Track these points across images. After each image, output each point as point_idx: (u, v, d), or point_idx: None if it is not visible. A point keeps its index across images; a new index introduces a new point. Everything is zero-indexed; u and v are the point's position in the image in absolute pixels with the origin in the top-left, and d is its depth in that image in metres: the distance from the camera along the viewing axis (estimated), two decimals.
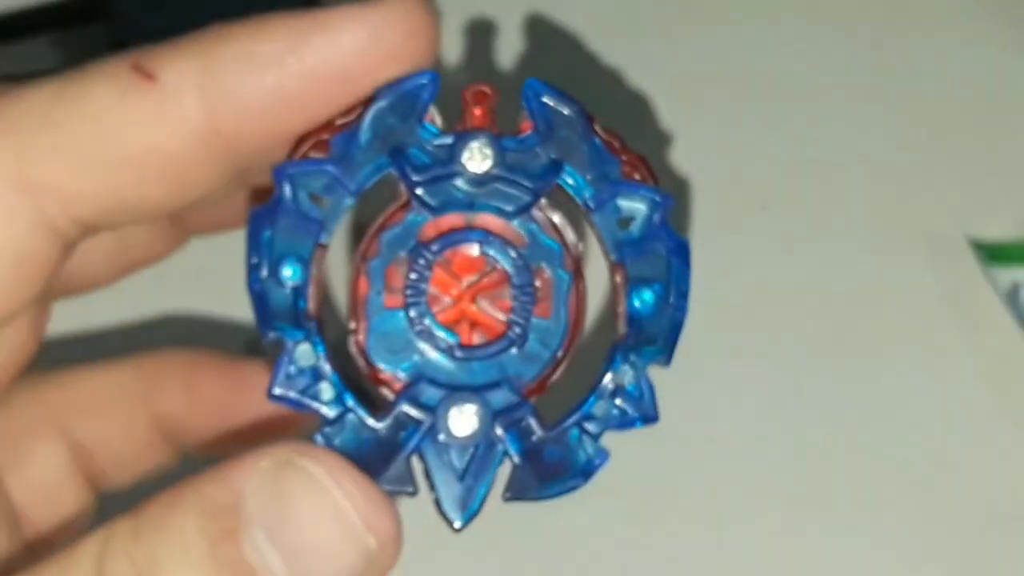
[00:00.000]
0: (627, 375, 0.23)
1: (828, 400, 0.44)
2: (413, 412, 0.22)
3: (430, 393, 0.22)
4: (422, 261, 0.22)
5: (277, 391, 0.21)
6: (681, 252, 0.23)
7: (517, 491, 0.22)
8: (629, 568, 0.41)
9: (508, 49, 0.47)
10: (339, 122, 0.22)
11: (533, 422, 0.22)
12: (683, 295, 0.23)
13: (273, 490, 0.20)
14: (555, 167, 0.22)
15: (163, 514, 0.20)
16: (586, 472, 0.22)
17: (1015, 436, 0.44)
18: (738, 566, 0.42)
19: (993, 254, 0.45)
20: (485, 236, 0.22)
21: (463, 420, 0.22)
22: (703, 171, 0.47)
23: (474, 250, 0.22)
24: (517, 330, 0.22)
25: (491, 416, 0.22)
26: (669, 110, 0.47)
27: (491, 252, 0.22)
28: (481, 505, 0.22)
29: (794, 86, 0.49)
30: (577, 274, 0.23)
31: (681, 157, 0.47)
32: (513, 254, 0.22)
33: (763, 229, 0.47)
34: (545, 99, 0.22)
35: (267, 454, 0.20)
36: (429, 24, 0.22)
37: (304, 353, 0.21)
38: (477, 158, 0.22)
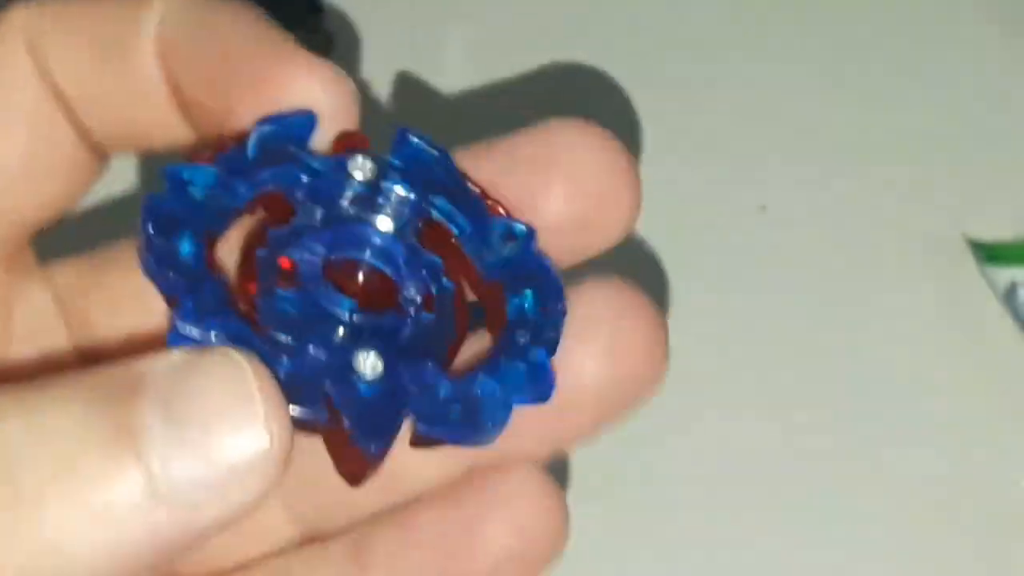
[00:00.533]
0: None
1: (826, 399, 0.44)
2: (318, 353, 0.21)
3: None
4: (313, 255, 0.22)
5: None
6: (549, 274, 0.23)
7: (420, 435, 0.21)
8: (628, 567, 0.42)
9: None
10: (223, 146, 0.22)
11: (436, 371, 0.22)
12: (559, 297, 0.22)
13: (180, 371, 0.19)
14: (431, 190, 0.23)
15: (50, 382, 0.19)
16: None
17: (1013, 435, 0.44)
18: (737, 565, 0.42)
19: (991, 254, 0.45)
20: (373, 246, 0.23)
21: (370, 361, 0.21)
22: (703, 171, 0.47)
23: (363, 257, 0.23)
24: (411, 313, 0.22)
25: (395, 358, 0.21)
26: (669, 110, 0.48)
27: (378, 263, 0.23)
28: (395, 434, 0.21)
29: (793, 86, 0.49)
30: (459, 285, 0.23)
31: (681, 157, 0.47)
32: (399, 264, 0.23)
33: (762, 229, 0.47)
34: (416, 141, 0.23)
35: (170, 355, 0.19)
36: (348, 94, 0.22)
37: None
38: (363, 168, 0.23)
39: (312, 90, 0.22)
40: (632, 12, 0.50)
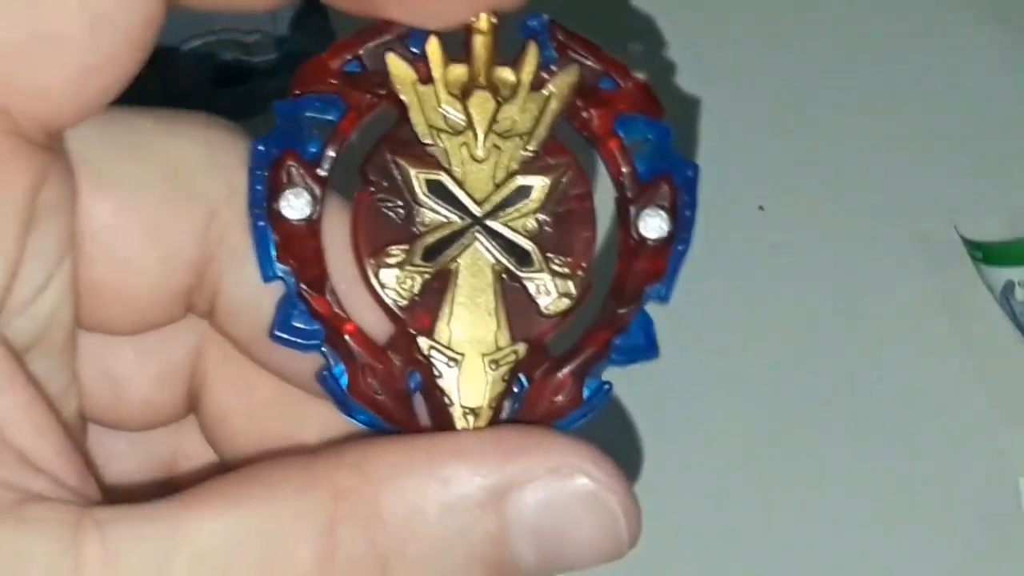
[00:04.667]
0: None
1: (824, 398, 0.44)
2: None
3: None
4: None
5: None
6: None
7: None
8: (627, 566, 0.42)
9: None
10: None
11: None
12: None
13: (547, 501, 0.20)
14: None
15: (409, 494, 0.20)
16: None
17: (1010, 433, 0.44)
18: (736, 565, 0.42)
19: (987, 253, 0.45)
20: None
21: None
22: (703, 171, 0.47)
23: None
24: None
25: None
26: (669, 110, 0.48)
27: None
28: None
29: (792, 87, 0.49)
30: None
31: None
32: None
33: (761, 228, 0.47)
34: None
35: (541, 462, 0.20)
36: None
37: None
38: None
39: None
40: (631, 12, 0.50)
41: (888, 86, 0.49)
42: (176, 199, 0.23)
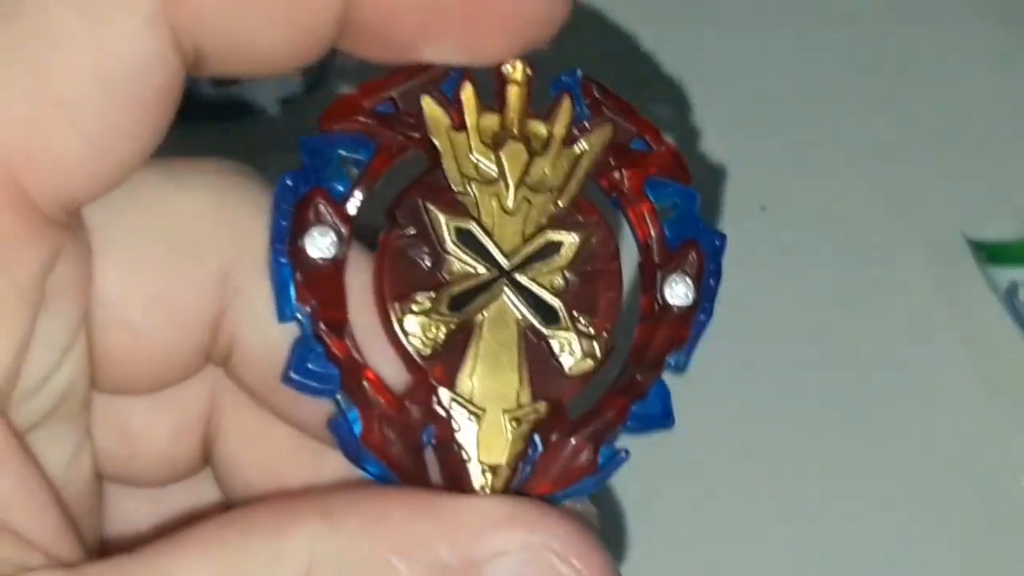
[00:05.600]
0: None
1: (826, 398, 0.44)
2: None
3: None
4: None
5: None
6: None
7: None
8: (628, 566, 0.42)
9: None
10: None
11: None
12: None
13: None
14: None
15: (385, 549, 0.19)
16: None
17: (1012, 433, 0.44)
18: (735, 564, 0.42)
19: (991, 254, 0.45)
20: None
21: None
22: (703, 171, 0.47)
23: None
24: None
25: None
26: (669, 110, 0.48)
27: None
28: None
29: (794, 87, 0.49)
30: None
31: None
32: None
33: (763, 229, 0.47)
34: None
35: (515, 538, 0.20)
36: (563, 10, 0.21)
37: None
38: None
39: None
40: (633, 13, 0.50)
41: (892, 86, 0.49)
42: (185, 258, 0.22)
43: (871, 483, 0.43)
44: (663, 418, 0.22)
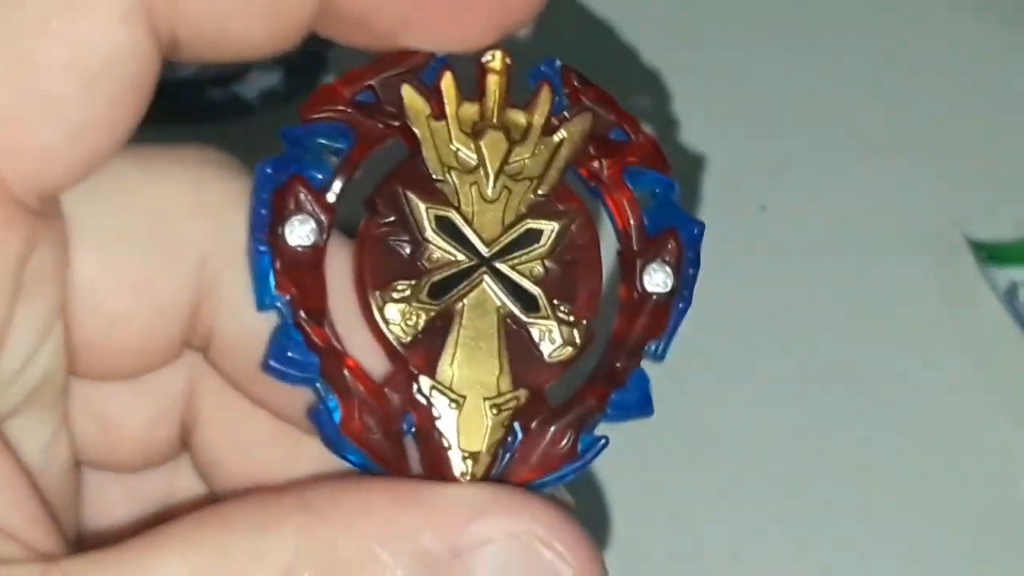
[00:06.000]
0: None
1: (825, 398, 0.44)
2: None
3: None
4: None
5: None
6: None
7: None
8: (630, 566, 0.42)
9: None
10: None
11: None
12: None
13: (502, 566, 0.20)
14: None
15: (369, 540, 0.19)
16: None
17: (1013, 434, 0.44)
18: (735, 564, 0.42)
19: (991, 254, 0.45)
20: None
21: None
22: (703, 171, 0.47)
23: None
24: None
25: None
26: (668, 110, 0.48)
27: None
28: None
29: (794, 87, 0.49)
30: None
31: (681, 157, 0.47)
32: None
33: (763, 229, 0.47)
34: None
35: (500, 525, 0.20)
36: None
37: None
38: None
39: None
40: (634, 14, 0.50)
41: (892, 86, 0.49)
42: (163, 248, 0.22)
43: (870, 483, 0.43)
44: (642, 406, 0.22)
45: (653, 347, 0.22)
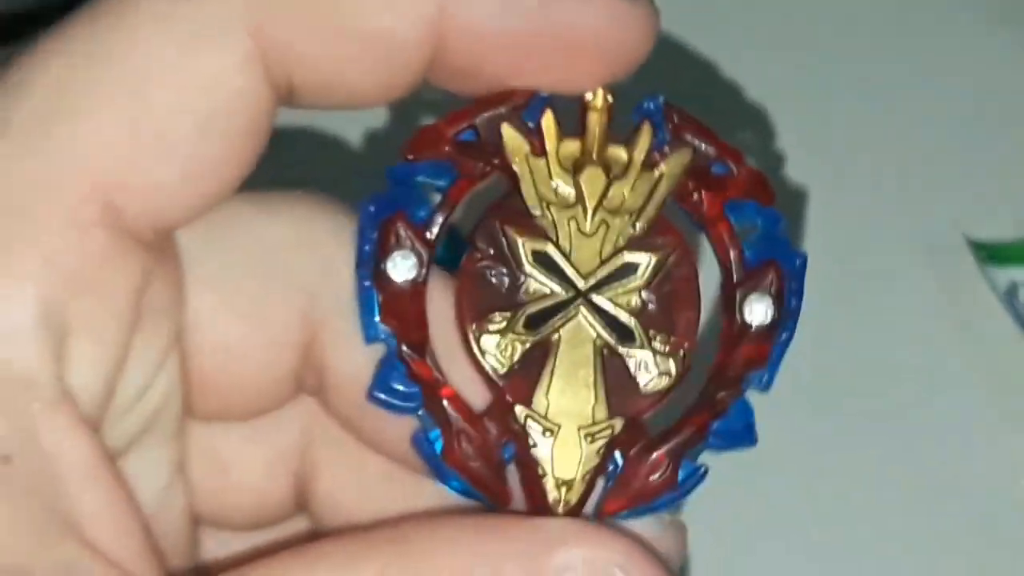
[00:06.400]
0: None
1: (825, 398, 0.44)
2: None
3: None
4: None
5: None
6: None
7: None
8: None
9: None
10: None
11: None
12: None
13: None
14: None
15: (454, 569, 0.20)
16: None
17: (1013, 435, 0.44)
18: (735, 564, 0.42)
19: (991, 254, 0.45)
20: None
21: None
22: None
23: None
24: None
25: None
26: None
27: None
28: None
29: (794, 87, 0.49)
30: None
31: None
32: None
33: None
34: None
35: (579, 553, 0.20)
36: (648, 44, 0.22)
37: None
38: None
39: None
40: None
41: (892, 86, 0.49)
42: (275, 281, 0.23)
43: (869, 483, 0.43)
44: (744, 435, 0.22)
45: (757, 377, 0.22)
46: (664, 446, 0.22)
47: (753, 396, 0.43)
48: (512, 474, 0.22)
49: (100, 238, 0.20)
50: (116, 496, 0.21)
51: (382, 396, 0.21)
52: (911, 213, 0.47)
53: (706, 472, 0.22)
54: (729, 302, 0.23)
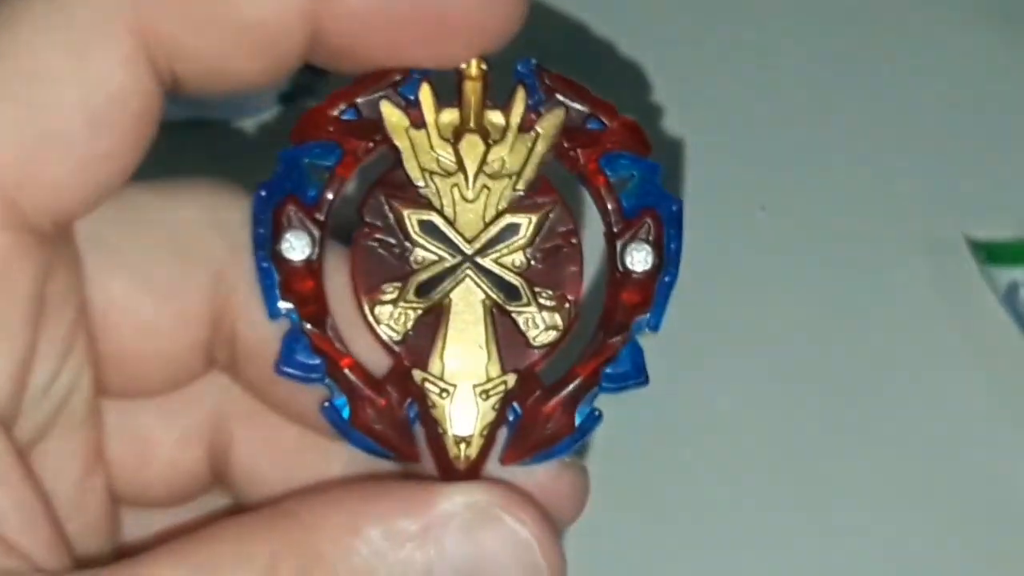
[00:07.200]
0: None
1: (826, 399, 0.44)
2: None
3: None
4: None
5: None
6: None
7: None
8: (631, 567, 0.42)
9: None
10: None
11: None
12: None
13: (467, 537, 0.21)
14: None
15: (342, 531, 0.21)
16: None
17: (1013, 435, 0.44)
18: (736, 564, 0.42)
19: (991, 254, 0.45)
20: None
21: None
22: (703, 171, 0.47)
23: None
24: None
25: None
26: (670, 110, 0.48)
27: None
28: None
29: (794, 86, 0.49)
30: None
31: (681, 156, 0.47)
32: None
33: (763, 229, 0.47)
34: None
35: (461, 498, 0.21)
36: (519, 18, 0.23)
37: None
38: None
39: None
40: (635, 13, 0.50)
41: (892, 86, 0.49)
42: (183, 262, 0.24)
43: (870, 483, 0.43)
44: (636, 376, 0.23)
45: (644, 321, 0.23)
46: (559, 394, 0.23)
47: (753, 399, 0.43)
48: (420, 434, 0.23)
49: (1, 238, 0.21)
50: (24, 489, 0.22)
51: (288, 370, 0.23)
52: (911, 213, 0.47)
53: (601, 415, 0.23)
54: (611, 252, 0.23)
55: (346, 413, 0.23)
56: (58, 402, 0.23)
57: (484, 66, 0.23)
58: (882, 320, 0.46)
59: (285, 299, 0.22)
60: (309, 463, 0.26)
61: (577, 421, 0.23)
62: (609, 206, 0.23)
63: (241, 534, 0.21)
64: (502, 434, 0.23)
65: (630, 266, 0.23)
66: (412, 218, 0.23)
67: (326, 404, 0.23)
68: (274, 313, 0.22)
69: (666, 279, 0.23)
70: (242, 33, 0.22)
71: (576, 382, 0.23)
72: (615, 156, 0.23)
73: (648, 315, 0.23)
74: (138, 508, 0.26)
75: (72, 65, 0.21)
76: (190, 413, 0.26)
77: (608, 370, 0.23)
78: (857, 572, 0.42)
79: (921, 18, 0.50)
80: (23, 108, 0.21)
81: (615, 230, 0.23)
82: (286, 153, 0.23)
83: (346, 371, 0.23)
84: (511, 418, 0.23)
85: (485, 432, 0.23)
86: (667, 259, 0.23)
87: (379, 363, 0.23)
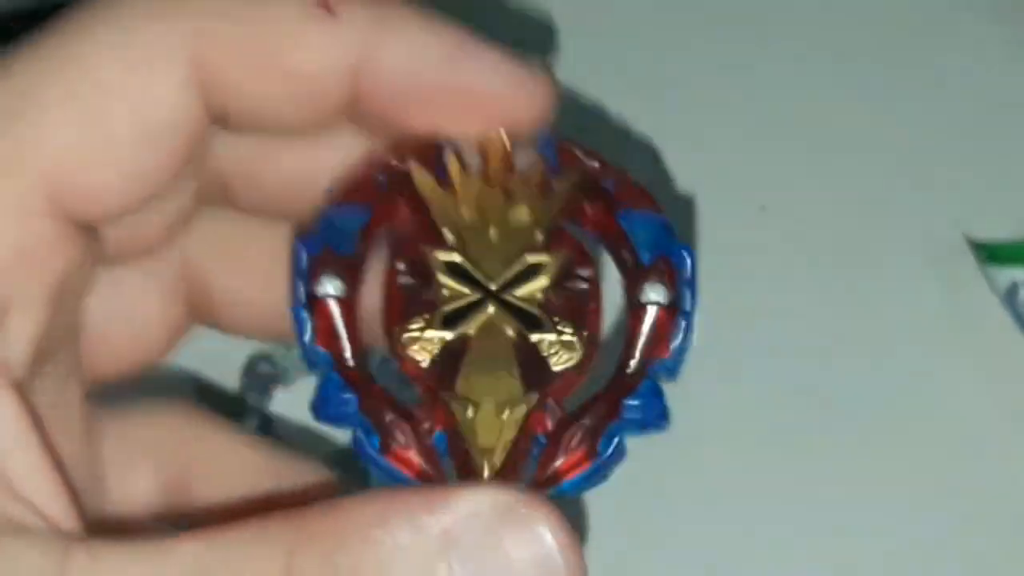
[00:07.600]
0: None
1: (827, 399, 0.44)
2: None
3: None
4: None
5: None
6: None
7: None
8: (632, 567, 0.42)
9: None
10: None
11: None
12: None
13: (489, 535, 0.21)
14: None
15: (368, 522, 0.22)
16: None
17: (1014, 435, 0.44)
18: (736, 565, 0.42)
19: (991, 254, 0.45)
20: None
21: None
22: (703, 171, 0.47)
23: None
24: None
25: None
26: (669, 110, 0.48)
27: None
28: None
29: (793, 86, 0.49)
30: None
31: (681, 157, 0.47)
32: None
33: (763, 229, 0.47)
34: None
35: (486, 496, 0.22)
36: (548, 107, 0.25)
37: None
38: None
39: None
40: (629, 12, 0.50)
41: (892, 86, 0.49)
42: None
43: (871, 484, 0.43)
44: (657, 418, 0.24)
45: (663, 364, 0.24)
46: (580, 422, 0.24)
47: (753, 398, 0.43)
48: (448, 465, 0.24)
49: (44, 224, 0.23)
50: (43, 456, 0.23)
51: (325, 413, 0.24)
52: (911, 213, 0.47)
53: (624, 445, 0.24)
54: (629, 293, 0.24)
55: (376, 443, 0.24)
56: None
57: (506, 136, 0.25)
58: (882, 320, 0.46)
59: (320, 343, 0.24)
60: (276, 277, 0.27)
61: (600, 450, 0.24)
62: (626, 257, 0.24)
63: (265, 521, 0.22)
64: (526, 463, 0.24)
65: (644, 301, 0.24)
66: (439, 260, 0.25)
67: (358, 435, 0.24)
68: (312, 361, 0.24)
69: (682, 322, 0.24)
70: (293, 82, 0.24)
71: (597, 413, 0.24)
72: (630, 211, 0.25)
73: (667, 359, 0.24)
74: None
75: (133, 82, 0.23)
76: (164, 272, 0.28)
77: (628, 409, 0.24)
78: (857, 572, 0.42)
79: (921, 18, 0.50)
80: (83, 112, 0.23)
81: (632, 273, 0.24)
82: (323, 210, 0.25)
83: (377, 400, 0.24)
84: (535, 450, 0.24)
85: (507, 444, 0.24)
86: (681, 303, 0.24)
87: (407, 396, 0.24)
